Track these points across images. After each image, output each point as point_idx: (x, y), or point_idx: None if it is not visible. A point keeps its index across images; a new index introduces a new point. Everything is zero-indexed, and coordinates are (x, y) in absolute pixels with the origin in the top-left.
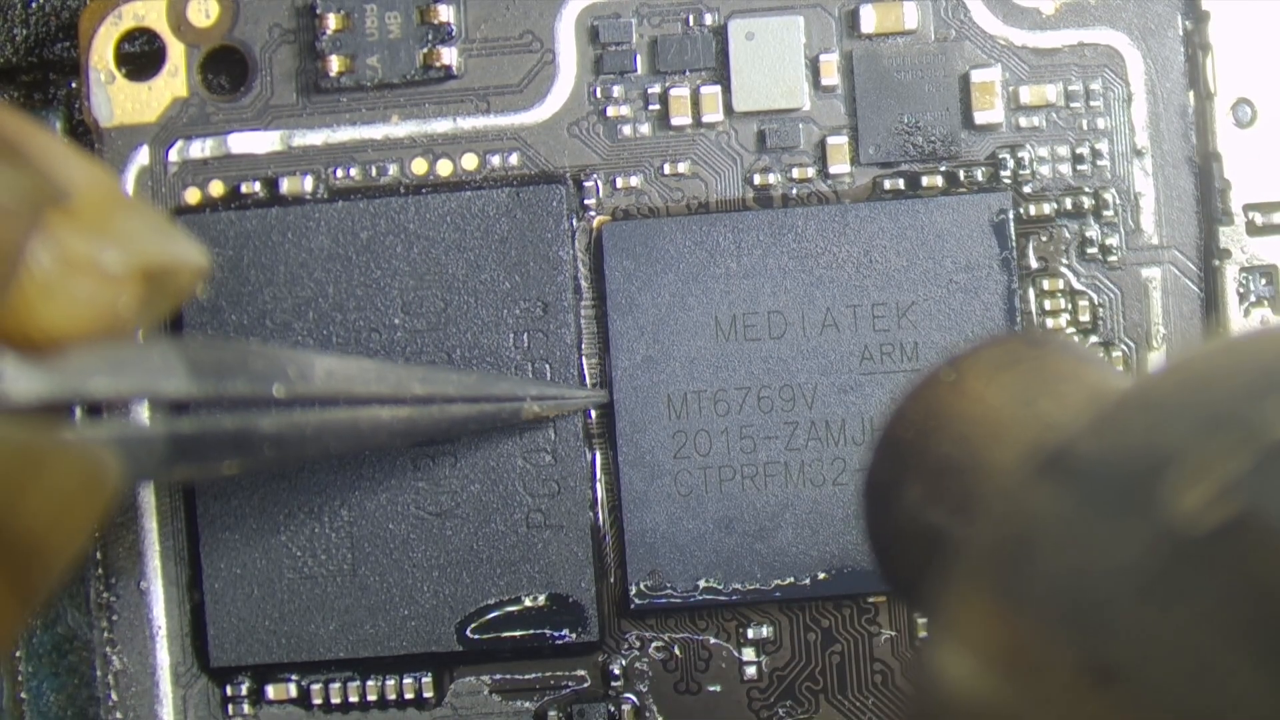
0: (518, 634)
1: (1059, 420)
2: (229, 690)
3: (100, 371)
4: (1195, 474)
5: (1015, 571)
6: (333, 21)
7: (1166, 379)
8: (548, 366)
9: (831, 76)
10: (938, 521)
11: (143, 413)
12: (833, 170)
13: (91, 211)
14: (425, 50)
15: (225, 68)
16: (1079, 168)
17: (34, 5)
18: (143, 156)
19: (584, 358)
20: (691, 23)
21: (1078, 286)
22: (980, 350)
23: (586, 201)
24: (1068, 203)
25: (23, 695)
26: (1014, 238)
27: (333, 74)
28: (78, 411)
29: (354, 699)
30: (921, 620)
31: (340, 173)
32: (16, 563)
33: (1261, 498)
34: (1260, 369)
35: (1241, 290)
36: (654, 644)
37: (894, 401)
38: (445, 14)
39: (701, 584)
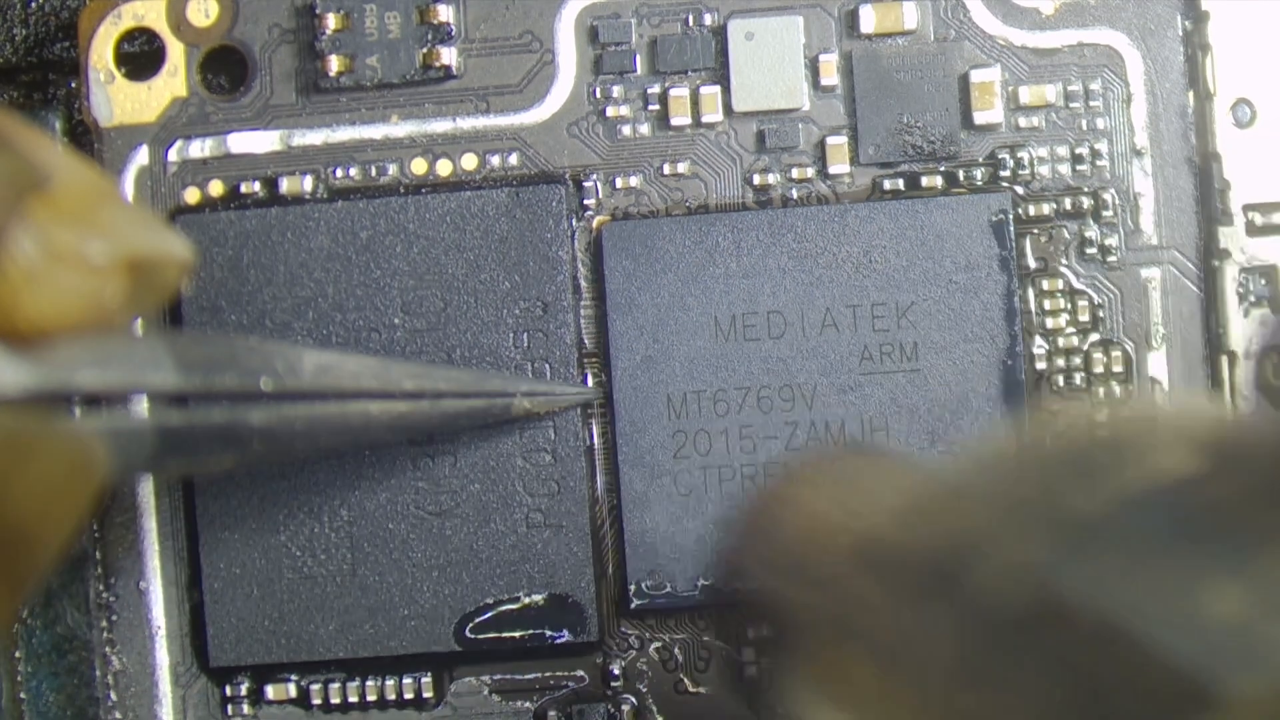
0: (517, 634)
1: (874, 518)
2: (228, 690)
3: (88, 364)
4: (1000, 557)
5: (836, 650)
6: (332, 21)
7: (975, 469)
8: (547, 366)
9: (831, 76)
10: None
11: (140, 407)
12: (832, 170)
13: (75, 203)
14: (425, 50)
15: (225, 68)
16: (1078, 168)
17: (34, 5)
18: (142, 156)
19: (584, 358)
20: (691, 23)
21: (1077, 286)
22: (805, 464)
23: (586, 201)
24: (1067, 203)
25: (22, 695)
26: (1013, 238)
27: (332, 74)
28: (76, 407)
29: (354, 699)
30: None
31: (340, 173)
32: (6, 551)
33: (1067, 577)
34: (1067, 456)
35: (1241, 290)
36: (654, 644)
37: (735, 520)
38: (445, 14)
39: (701, 584)
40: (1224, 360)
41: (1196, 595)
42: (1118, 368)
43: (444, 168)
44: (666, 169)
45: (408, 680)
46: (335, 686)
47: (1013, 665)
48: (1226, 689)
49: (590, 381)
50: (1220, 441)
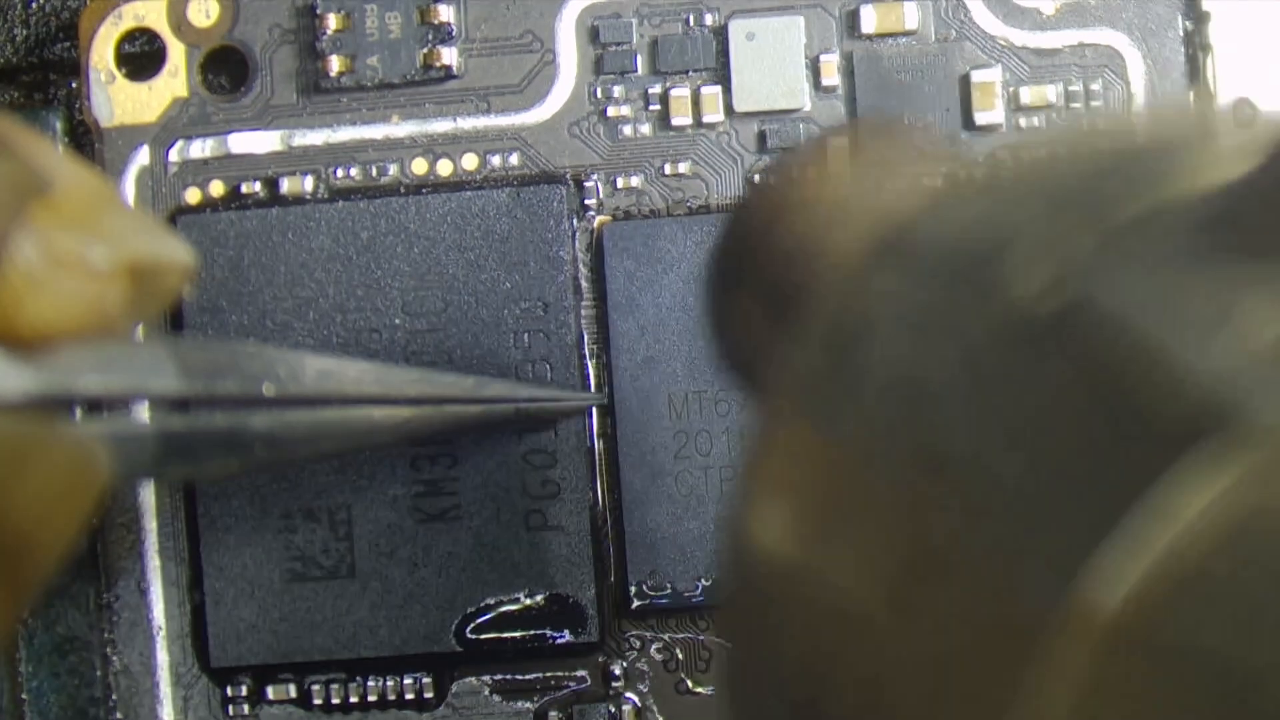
0: (518, 634)
1: (900, 207)
2: (229, 691)
3: (90, 369)
4: (1035, 255)
5: (843, 356)
6: (333, 21)
7: (1013, 165)
8: (548, 367)
9: (832, 77)
10: (769, 336)
11: (142, 412)
12: None
13: (77, 207)
14: (425, 50)
15: (225, 68)
16: None
17: (34, 5)
18: (143, 156)
19: (585, 358)
20: (692, 23)
21: None
22: (823, 141)
23: (587, 201)
24: None
25: (23, 696)
26: None
27: (333, 74)
28: (78, 411)
29: (354, 699)
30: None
31: (340, 173)
32: (7, 556)
33: (1102, 280)
34: (1109, 152)
35: None
36: (654, 644)
37: (740, 196)
38: (445, 14)
39: (702, 584)
40: None
41: (1233, 319)
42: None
43: (445, 168)
44: (668, 169)
45: (408, 680)
46: (336, 687)
47: (1039, 371)
48: (1249, 415)
49: (592, 382)
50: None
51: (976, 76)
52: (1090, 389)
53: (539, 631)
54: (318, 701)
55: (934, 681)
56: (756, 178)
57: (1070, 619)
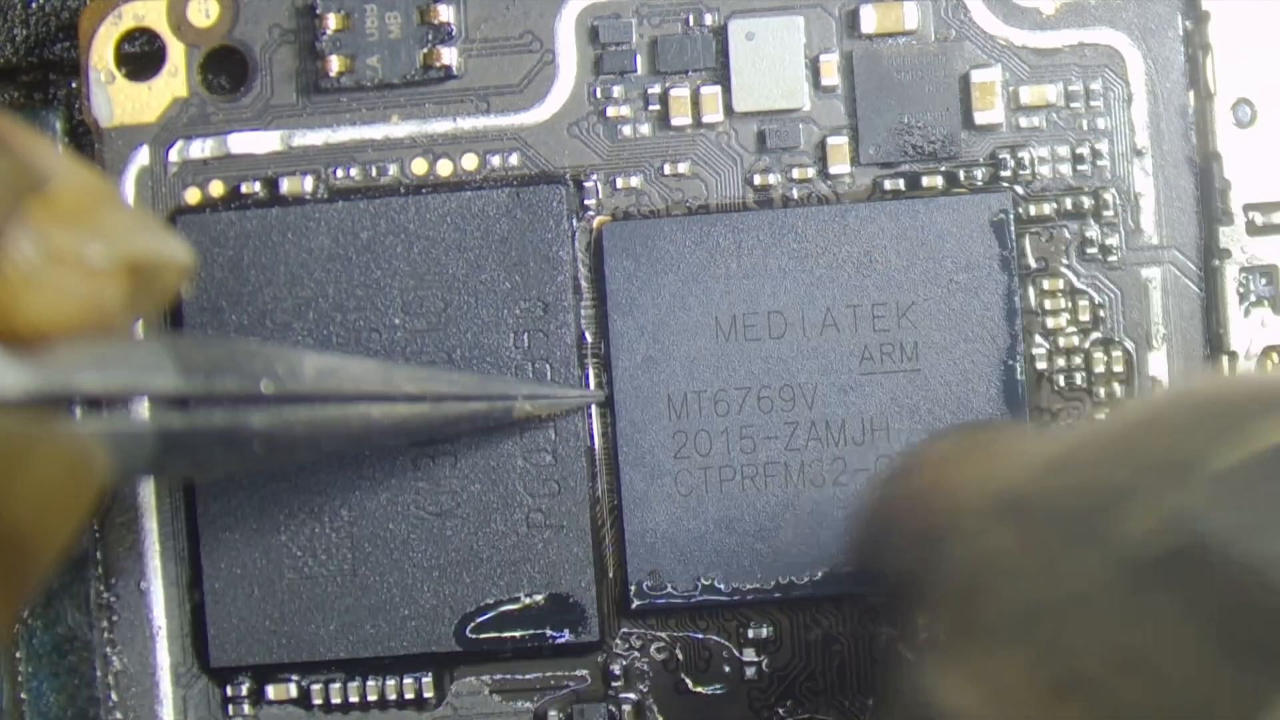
0: (517, 634)
1: (1017, 475)
2: (229, 690)
3: (88, 367)
4: (1147, 503)
5: (982, 602)
6: (333, 21)
7: (1110, 426)
8: (548, 366)
9: (831, 76)
10: (917, 566)
11: (141, 409)
12: (833, 170)
13: (75, 204)
14: (425, 50)
15: (225, 68)
16: (1079, 168)
17: (34, 5)
18: (143, 156)
19: (584, 358)
20: (691, 23)
21: (1078, 286)
22: (943, 437)
23: (586, 202)
24: (1068, 203)
25: (23, 695)
26: (1014, 238)
27: (333, 74)
28: (77, 409)
29: (354, 699)
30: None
31: (340, 173)
32: (7, 553)
33: (1209, 521)
34: (1203, 411)
35: (1241, 290)
36: (654, 644)
37: (866, 492)
38: (445, 14)
39: (701, 584)
40: (1224, 360)
41: None
42: (1118, 368)
43: (444, 168)
44: (667, 169)
45: (408, 680)
46: (336, 686)
47: (1155, 606)
48: None
49: (591, 382)
50: None
51: (976, 76)
52: (1203, 618)
53: (539, 631)
54: (318, 701)
55: None
56: (888, 471)
57: None
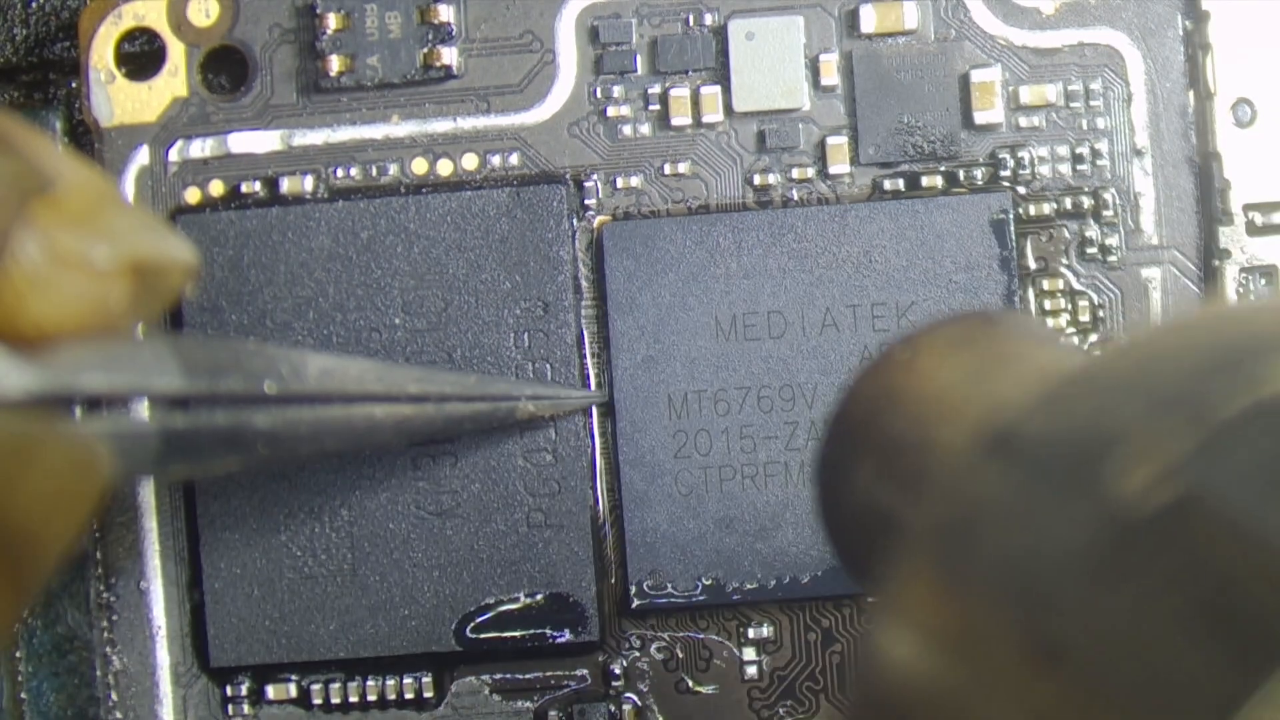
0: (518, 634)
1: (1009, 399)
2: (229, 690)
3: (92, 368)
4: (1141, 455)
5: (960, 551)
6: (333, 21)
7: (1115, 359)
8: (548, 366)
9: (831, 76)
10: (887, 501)
11: (143, 410)
12: (833, 170)
13: (79, 206)
14: (425, 50)
15: (225, 67)
16: (1079, 168)
17: (34, 5)
18: (143, 156)
19: (584, 358)
20: (691, 23)
21: (1078, 286)
22: (935, 329)
23: (587, 201)
24: (1067, 203)
25: (23, 695)
26: (1014, 238)
27: (333, 74)
28: (79, 410)
29: (354, 699)
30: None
31: (340, 173)
32: (10, 554)
33: (1207, 478)
34: (1208, 350)
35: (1241, 290)
36: (654, 644)
37: (848, 380)
38: (445, 14)
39: (701, 584)
40: None
41: None
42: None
43: (445, 168)
44: (667, 169)
45: (408, 680)
46: (336, 686)
47: (1147, 566)
48: None
49: (592, 381)
50: None
51: (976, 76)
52: (1200, 586)
53: (539, 631)
54: (318, 701)
55: None
56: (871, 357)
57: None
